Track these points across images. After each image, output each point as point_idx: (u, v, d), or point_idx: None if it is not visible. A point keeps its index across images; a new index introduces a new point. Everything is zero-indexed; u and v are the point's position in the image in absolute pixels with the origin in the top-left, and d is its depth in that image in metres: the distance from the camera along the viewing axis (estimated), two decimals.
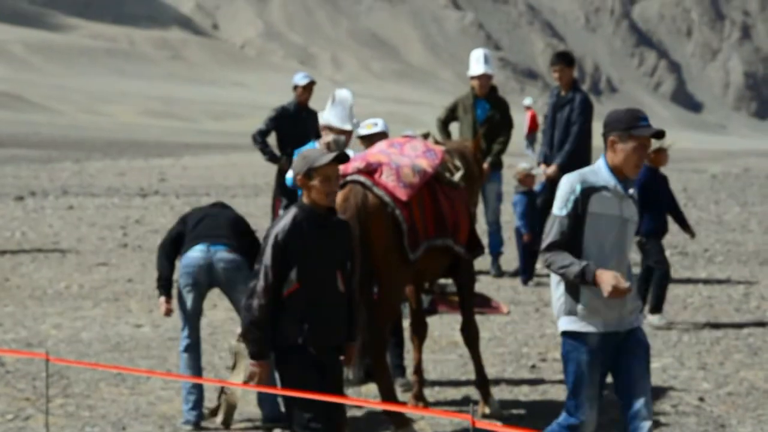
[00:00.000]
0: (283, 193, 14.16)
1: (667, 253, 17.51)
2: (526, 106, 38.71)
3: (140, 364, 10.56)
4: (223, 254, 8.77)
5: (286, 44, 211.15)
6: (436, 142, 9.50)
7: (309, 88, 14.55)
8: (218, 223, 8.95)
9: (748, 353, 11.24)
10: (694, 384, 10.07)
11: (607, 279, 6.05)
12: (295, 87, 14.57)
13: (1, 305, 13.32)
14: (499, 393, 9.59)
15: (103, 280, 14.86)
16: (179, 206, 23.32)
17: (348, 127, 9.13)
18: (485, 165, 14.13)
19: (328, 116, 9.13)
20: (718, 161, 51.63)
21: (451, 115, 14.85)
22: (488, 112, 14.73)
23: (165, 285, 8.96)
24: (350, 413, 9.02)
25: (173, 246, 8.97)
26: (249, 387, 6.86)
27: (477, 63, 14.81)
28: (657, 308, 12.45)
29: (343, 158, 6.52)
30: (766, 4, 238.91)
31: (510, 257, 15.83)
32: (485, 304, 12.88)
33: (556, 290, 6.39)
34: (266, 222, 21.05)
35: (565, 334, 6.38)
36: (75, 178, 31.47)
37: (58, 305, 13.33)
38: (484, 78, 14.78)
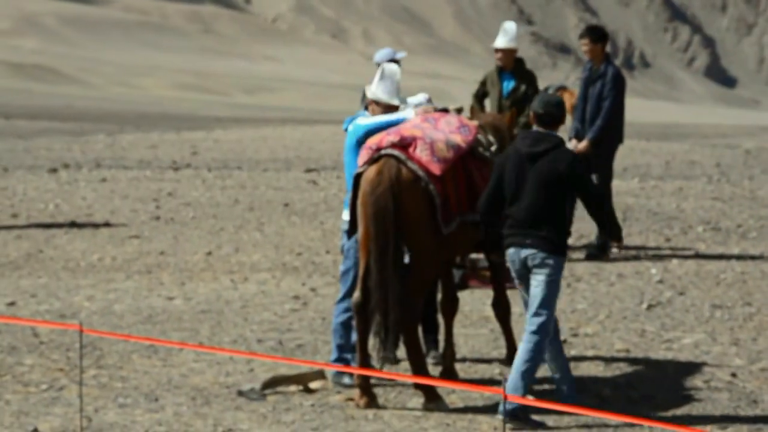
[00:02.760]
0: None
1: (700, 228, 17.48)
2: None
3: (172, 336, 10.62)
4: None
5: (318, 18, 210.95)
6: (470, 117, 9.51)
7: None
8: None
9: None
10: (727, 360, 10.04)
11: None
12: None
13: (35, 277, 13.41)
14: None
15: (136, 253, 14.93)
16: (211, 179, 23.37)
17: (395, 102, 9.18)
18: None
19: (375, 90, 9.19)
20: (751, 136, 51.30)
21: (483, 88, 14.79)
22: (513, 85, 14.65)
23: None
24: (381, 386, 9.04)
25: None
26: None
27: (499, 36, 14.73)
28: None
29: None
30: None
31: None
32: None
33: None
34: (297, 195, 21.06)
35: None
36: (108, 150, 31.59)
37: (91, 277, 13.41)
38: (505, 52, 14.67)
